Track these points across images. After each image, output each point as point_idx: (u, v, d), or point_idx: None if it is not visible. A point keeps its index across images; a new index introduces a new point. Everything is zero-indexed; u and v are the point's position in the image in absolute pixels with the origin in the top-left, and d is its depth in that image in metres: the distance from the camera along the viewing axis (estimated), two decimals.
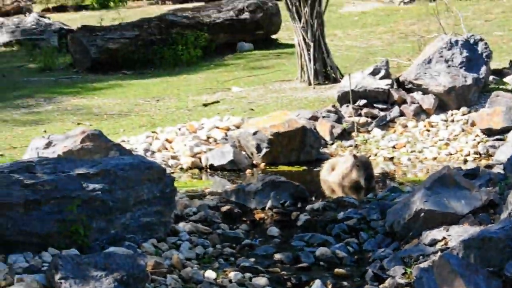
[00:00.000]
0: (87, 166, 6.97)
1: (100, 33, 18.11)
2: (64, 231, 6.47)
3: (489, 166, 9.44)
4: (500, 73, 13.12)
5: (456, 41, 12.13)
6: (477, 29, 16.09)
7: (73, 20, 23.89)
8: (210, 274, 6.45)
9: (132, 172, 7.06)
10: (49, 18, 23.46)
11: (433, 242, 6.83)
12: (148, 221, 7.02)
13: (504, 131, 10.67)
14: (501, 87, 12.27)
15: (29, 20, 22.80)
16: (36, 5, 29.08)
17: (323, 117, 11.28)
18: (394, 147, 10.69)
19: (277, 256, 6.97)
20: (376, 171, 9.58)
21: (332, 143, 10.75)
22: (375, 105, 11.65)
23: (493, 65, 12.82)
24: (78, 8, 29.00)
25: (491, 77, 12.39)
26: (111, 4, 28.42)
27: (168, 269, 6.38)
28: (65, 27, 21.89)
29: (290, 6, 14.43)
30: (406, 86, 11.98)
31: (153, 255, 6.60)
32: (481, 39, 12.35)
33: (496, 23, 19.66)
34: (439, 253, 6.44)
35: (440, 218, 7.09)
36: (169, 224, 7.26)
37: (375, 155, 10.40)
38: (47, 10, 28.26)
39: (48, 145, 9.15)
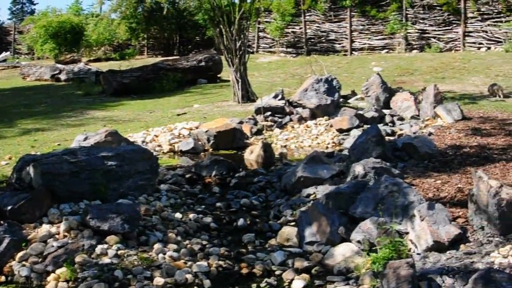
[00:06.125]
0: (107, 151, 6.71)
1: (119, 73, 17.73)
2: (92, 189, 6.20)
3: (340, 150, 9.35)
4: (345, 97, 13.22)
5: (321, 79, 12.00)
6: (333, 72, 16.07)
7: (104, 66, 23.34)
8: (178, 215, 6.25)
9: (134, 154, 6.79)
10: (90, 65, 23.08)
11: (308, 195, 6.72)
12: (142, 184, 6.74)
13: (348, 130, 10.58)
14: (346, 105, 12.23)
15: (78, 66, 22.42)
16: (83, 57, 28.90)
17: (246, 122, 11.16)
18: (286, 139, 10.53)
19: (218, 204, 6.82)
20: (276, 153, 9.52)
21: (251, 137, 10.63)
22: (276, 115, 11.51)
23: (342, 93, 12.73)
24: (107, 59, 28.91)
25: (341, 99, 12.28)
26: (127, 57, 28.35)
27: (153, 212, 6.16)
28: (99, 70, 21.44)
29: (227, 59, 14.39)
30: (293, 104, 11.86)
31: (145, 204, 6.35)
32: (335, 78, 12.26)
33: (344, 69, 19.88)
34: (311, 202, 6.35)
35: (312, 181, 6.98)
36: (155, 185, 7.00)
37: (276, 144, 10.30)
38: (89, 61, 27.94)
39: (86, 139, 8.78)
